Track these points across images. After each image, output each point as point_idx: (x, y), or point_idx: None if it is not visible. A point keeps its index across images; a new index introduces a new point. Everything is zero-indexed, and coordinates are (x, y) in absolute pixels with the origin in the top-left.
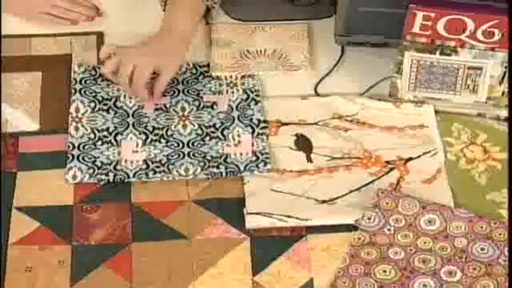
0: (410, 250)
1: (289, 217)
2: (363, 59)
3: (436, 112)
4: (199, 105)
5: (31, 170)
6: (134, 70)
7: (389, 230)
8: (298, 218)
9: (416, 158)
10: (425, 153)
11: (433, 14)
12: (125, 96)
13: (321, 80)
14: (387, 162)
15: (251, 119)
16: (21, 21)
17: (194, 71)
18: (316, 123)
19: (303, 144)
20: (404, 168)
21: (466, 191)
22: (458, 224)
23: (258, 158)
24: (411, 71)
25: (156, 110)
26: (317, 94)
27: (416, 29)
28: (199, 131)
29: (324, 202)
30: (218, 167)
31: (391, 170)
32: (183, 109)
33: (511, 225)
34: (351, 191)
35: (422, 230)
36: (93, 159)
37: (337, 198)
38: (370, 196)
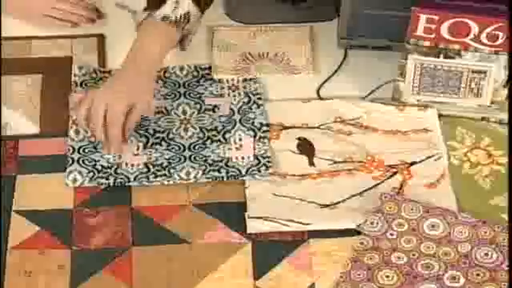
0: (413, 254)
1: (290, 221)
2: (366, 62)
3: (440, 116)
4: (201, 108)
5: (31, 173)
6: (106, 113)
7: (392, 234)
8: (299, 223)
9: (419, 162)
10: (428, 157)
11: (436, 17)
12: None
13: (323, 83)
14: (390, 166)
15: (253, 122)
16: (21, 23)
17: (195, 74)
18: (318, 127)
19: (305, 148)
20: (407, 172)
21: (469, 196)
22: (462, 229)
23: (259, 161)
24: (415, 74)
25: (157, 113)
26: (319, 98)
27: (420, 32)
28: (200, 134)
29: (326, 206)
30: (219, 171)
31: (394, 174)
32: (184, 112)
33: (511, 226)
34: (354, 195)
35: (426, 234)
36: (93, 163)
37: (339, 202)
38: (373, 200)
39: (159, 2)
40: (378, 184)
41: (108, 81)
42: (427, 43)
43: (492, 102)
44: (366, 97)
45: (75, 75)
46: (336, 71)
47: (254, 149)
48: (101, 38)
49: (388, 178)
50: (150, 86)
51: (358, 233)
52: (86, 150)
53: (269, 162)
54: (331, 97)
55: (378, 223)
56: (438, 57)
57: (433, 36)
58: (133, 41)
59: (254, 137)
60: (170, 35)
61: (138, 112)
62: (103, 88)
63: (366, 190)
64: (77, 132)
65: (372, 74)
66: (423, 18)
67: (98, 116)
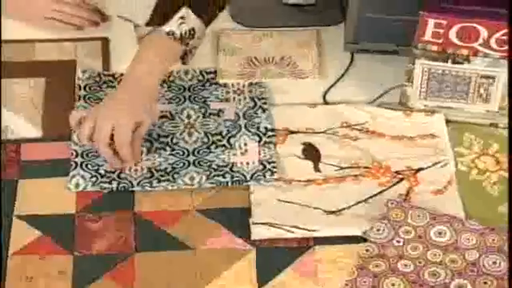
0: (420, 262)
1: (295, 227)
2: (373, 67)
3: (447, 121)
4: (205, 112)
5: (33, 177)
6: (113, 131)
7: (398, 241)
8: (304, 229)
9: (426, 168)
10: (435, 163)
11: (445, 22)
12: None
13: (329, 88)
14: (397, 172)
15: (258, 127)
16: (25, 26)
17: (200, 78)
18: (324, 132)
19: (311, 153)
20: (414, 178)
21: (477, 202)
22: (469, 236)
23: (264, 167)
24: (422, 79)
25: (161, 117)
26: (325, 102)
27: (427, 36)
28: (205, 139)
29: (332, 212)
30: (223, 176)
31: (401, 180)
32: (189, 116)
33: (511, 226)
34: (360, 202)
35: (432, 241)
36: (96, 167)
37: (345, 208)
38: (379, 207)
39: (164, 18)
40: (385, 190)
41: (109, 97)
42: (435, 48)
43: (500, 108)
44: (373, 102)
45: (79, 79)
46: (342, 76)
47: (259, 154)
48: (105, 42)
49: (394, 185)
50: (154, 101)
51: (364, 240)
52: (90, 155)
53: (274, 167)
54: (337, 101)
55: (384, 230)
56: (446, 62)
57: (441, 41)
58: (135, 53)
59: (259, 142)
60: (174, 50)
61: (145, 128)
62: (106, 106)
63: (372, 197)
64: None
65: (379, 79)
66: (431, 22)
67: (103, 135)
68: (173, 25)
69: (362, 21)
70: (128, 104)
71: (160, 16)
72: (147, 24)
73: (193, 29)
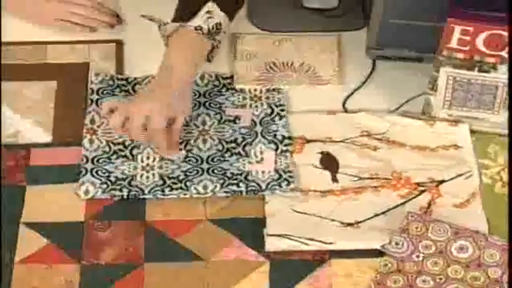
0: (440, 278)
1: (311, 240)
2: (395, 74)
3: (472, 132)
4: (221, 119)
5: (41, 183)
6: (146, 122)
7: (418, 256)
8: (320, 242)
9: (449, 180)
10: (458, 175)
11: (472, 29)
12: None
13: (350, 95)
14: (418, 184)
15: (275, 135)
16: (37, 27)
17: (216, 83)
18: (343, 141)
19: (329, 163)
20: (436, 191)
21: (501, 217)
22: (493, 252)
23: (280, 176)
24: (447, 88)
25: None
26: (345, 110)
27: (453, 44)
28: (219, 146)
29: (349, 224)
30: (238, 185)
31: (422, 192)
32: (204, 122)
33: (511, 226)
34: (378, 214)
35: (454, 257)
36: (107, 174)
37: (363, 221)
38: (399, 220)
39: (190, 14)
40: (405, 202)
41: (142, 91)
42: (461, 56)
43: None
44: (395, 110)
45: (91, 82)
46: (364, 83)
47: (276, 163)
48: (119, 44)
49: (415, 197)
50: (187, 96)
51: (382, 254)
52: (100, 161)
53: (290, 176)
54: (357, 110)
55: (403, 244)
56: (473, 70)
57: (467, 48)
58: (164, 53)
59: (276, 150)
60: (203, 45)
61: (180, 122)
62: (140, 97)
63: (391, 209)
64: (91, 141)
65: (401, 87)
66: (458, 29)
67: (135, 124)
68: (200, 20)
69: (386, 26)
70: (162, 98)
71: (185, 12)
72: (173, 21)
73: (219, 23)
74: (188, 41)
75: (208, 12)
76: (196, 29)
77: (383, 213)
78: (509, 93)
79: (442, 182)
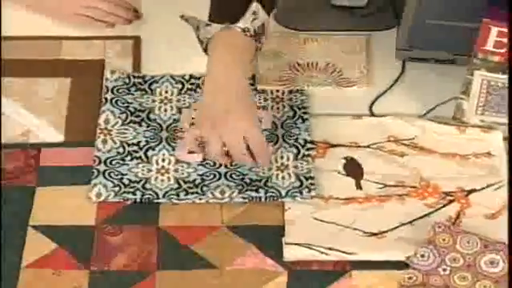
0: None
1: (332, 249)
2: (426, 77)
3: (505, 139)
4: None
5: (51, 185)
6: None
7: (444, 270)
8: (341, 252)
9: (480, 189)
10: (490, 185)
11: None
12: (160, 108)
13: (377, 98)
14: (446, 193)
15: (297, 139)
16: (51, 22)
17: None
18: (368, 146)
19: (353, 169)
20: (465, 201)
21: None
22: None
23: (301, 182)
24: (480, 93)
25: (192, 124)
26: (371, 114)
27: (489, 46)
28: None
29: (372, 234)
30: (257, 191)
31: (450, 202)
32: None
33: (511, 226)
34: (404, 224)
35: (483, 271)
36: (120, 176)
37: (387, 230)
38: (425, 231)
39: (229, 15)
40: (432, 212)
41: (209, 108)
42: (497, 59)
43: None
44: (424, 115)
45: (107, 80)
46: (392, 86)
47: (297, 168)
48: (136, 41)
49: (443, 207)
50: (253, 107)
51: (407, 266)
52: (113, 162)
53: (312, 183)
54: (385, 114)
55: (429, 256)
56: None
57: (504, 51)
58: (210, 57)
59: (297, 155)
60: (251, 48)
61: (258, 134)
62: (220, 120)
63: (417, 219)
64: (104, 142)
65: (432, 90)
66: (494, 30)
67: (214, 152)
68: (247, 21)
69: (418, 26)
70: (244, 110)
71: (224, 12)
72: (208, 23)
73: (263, 24)
74: (236, 43)
75: (254, 13)
76: (244, 31)
77: (409, 223)
78: (509, 93)
79: (472, 191)
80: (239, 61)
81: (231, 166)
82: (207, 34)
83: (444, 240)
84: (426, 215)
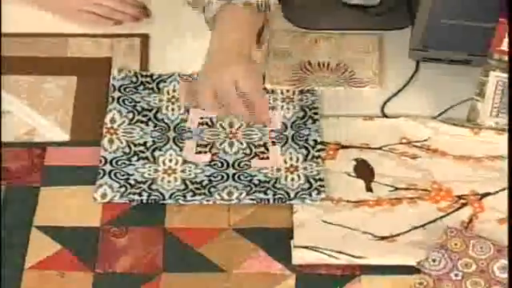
0: None
1: (341, 253)
2: (440, 78)
3: None
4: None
5: (56, 185)
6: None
7: (456, 275)
8: (351, 255)
9: (494, 193)
10: (504, 188)
11: None
12: (167, 107)
13: (389, 99)
14: (459, 197)
15: (306, 140)
16: (58, 18)
17: None
18: (380, 148)
19: (363, 171)
20: (478, 204)
21: None
22: None
23: (311, 184)
24: (495, 94)
25: (200, 124)
26: (384, 115)
27: (505, 46)
28: (247, 150)
29: (383, 238)
30: (265, 193)
31: (463, 205)
32: (231, 124)
33: (511, 226)
34: (415, 228)
35: (496, 277)
36: (126, 176)
37: (398, 234)
38: (437, 235)
39: None
40: (444, 216)
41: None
42: None
43: None
44: (437, 116)
45: (113, 78)
46: (404, 86)
47: (306, 169)
48: (145, 39)
49: (456, 210)
50: (256, 67)
51: (418, 271)
52: (119, 162)
53: (322, 186)
54: (397, 115)
55: (441, 261)
56: None
57: None
58: (212, 35)
59: (307, 156)
60: (254, 20)
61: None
62: (203, 75)
63: (429, 223)
64: (111, 141)
65: (445, 91)
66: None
67: (205, 99)
68: None
69: (432, 26)
70: (238, 62)
71: None
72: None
73: (267, 2)
74: (238, 16)
75: None
76: (245, 4)
77: (420, 226)
78: (509, 93)
79: (485, 195)
80: (241, 32)
81: (232, 128)
82: (210, 14)
83: (456, 245)
84: (438, 219)
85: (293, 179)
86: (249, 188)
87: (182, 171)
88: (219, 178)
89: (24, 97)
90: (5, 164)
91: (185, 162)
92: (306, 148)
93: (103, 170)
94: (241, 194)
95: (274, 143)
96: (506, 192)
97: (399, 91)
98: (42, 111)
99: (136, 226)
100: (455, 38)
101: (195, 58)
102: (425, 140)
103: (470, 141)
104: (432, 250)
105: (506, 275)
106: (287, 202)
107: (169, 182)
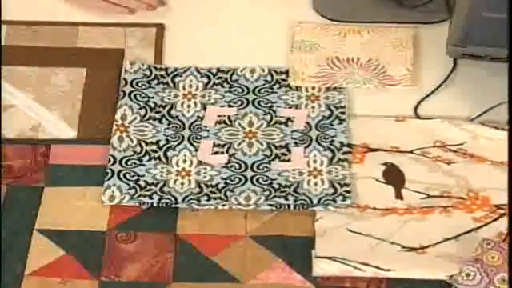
0: None
1: (366, 265)
2: (479, 76)
3: None
4: (271, 120)
5: (61, 185)
6: None
7: None
8: (377, 268)
9: None
10: None
11: None
12: (182, 104)
13: (423, 99)
14: (497, 206)
15: (332, 141)
16: (69, 6)
17: (268, 78)
18: (412, 151)
19: (393, 176)
20: None
21: None
22: None
23: (336, 190)
24: None
25: (217, 122)
26: (417, 116)
27: None
28: (267, 152)
29: (412, 249)
30: (285, 198)
31: (501, 216)
32: (251, 123)
33: (511, 225)
34: (448, 239)
35: None
36: (136, 177)
37: (429, 246)
38: (472, 247)
39: None
40: (480, 227)
41: None
42: None
43: None
44: (475, 118)
45: (126, 71)
46: (441, 85)
47: (331, 173)
48: (160, 29)
49: (493, 221)
50: None
51: (450, 286)
52: (130, 162)
53: (347, 191)
54: (431, 116)
55: (476, 276)
56: None
57: None
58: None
59: (332, 159)
60: None
61: None
62: None
63: (463, 234)
64: (120, 139)
65: (485, 91)
66: None
67: None
68: None
69: (473, 20)
70: None
71: None
72: None
73: None
74: None
75: None
76: None
77: (453, 238)
78: (509, 93)
79: None
80: None
81: (251, 127)
82: None
83: (493, 258)
84: (473, 230)
85: (316, 184)
86: (268, 192)
87: (197, 173)
88: (236, 181)
89: (29, 90)
90: (7, 162)
91: (200, 163)
92: (332, 150)
93: (112, 170)
94: (259, 198)
95: (296, 144)
96: None
97: (435, 90)
98: (48, 106)
99: (145, 231)
100: (497, 33)
101: (214, 50)
102: (461, 144)
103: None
104: (466, 263)
105: None
106: (309, 209)
107: (182, 184)
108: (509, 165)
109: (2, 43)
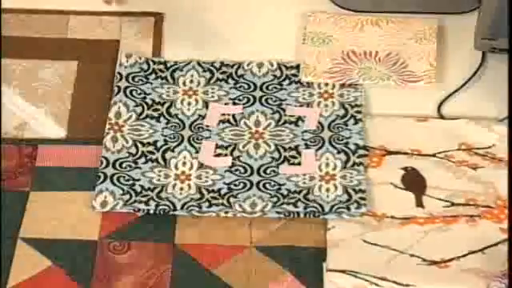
0: None
1: (384, 280)
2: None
3: None
4: (279, 119)
5: (48, 189)
6: None
7: None
8: (395, 283)
9: None
10: None
11: None
12: (182, 101)
13: (447, 97)
14: None
15: (347, 143)
16: None
17: (277, 73)
18: (434, 155)
19: (414, 182)
20: None
21: None
22: None
23: (350, 196)
24: None
25: (221, 122)
26: (440, 116)
27: None
28: (275, 154)
29: (434, 263)
30: (295, 205)
31: None
32: (257, 123)
33: (511, 225)
34: (473, 252)
35: None
36: (131, 182)
37: (452, 259)
38: (500, 261)
39: None
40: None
41: None
42: None
43: None
44: (504, 119)
45: (121, 65)
46: (467, 82)
47: (345, 178)
48: (159, 18)
49: None
50: None
51: None
52: (124, 165)
53: (363, 198)
54: (456, 116)
55: None
56: None
57: None
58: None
59: (346, 162)
60: None
61: None
62: None
63: (490, 246)
64: (114, 140)
65: None
66: None
67: None
68: None
69: (503, 10)
70: None
71: None
72: None
73: None
74: None
75: None
76: None
77: (479, 250)
78: (509, 93)
79: None
80: None
81: (258, 127)
82: None
83: None
84: (501, 242)
85: (328, 190)
86: (276, 199)
87: (198, 177)
88: (241, 186)
89: (15, 84)
90: None
91: (201, 166)
92: (346, 153)
93: (104, 173)
94: (266, 205)
95: (307, 146)
96: None
97: (460, 88)
98: (36, 101)
99: (141, 240)
100: None
101: (217, 42)
102: (489, 147)
103: None
104: (493, 278)
105: None
106: (321, 217)
107: (181, 189)
108: (509, 165)
109: None
